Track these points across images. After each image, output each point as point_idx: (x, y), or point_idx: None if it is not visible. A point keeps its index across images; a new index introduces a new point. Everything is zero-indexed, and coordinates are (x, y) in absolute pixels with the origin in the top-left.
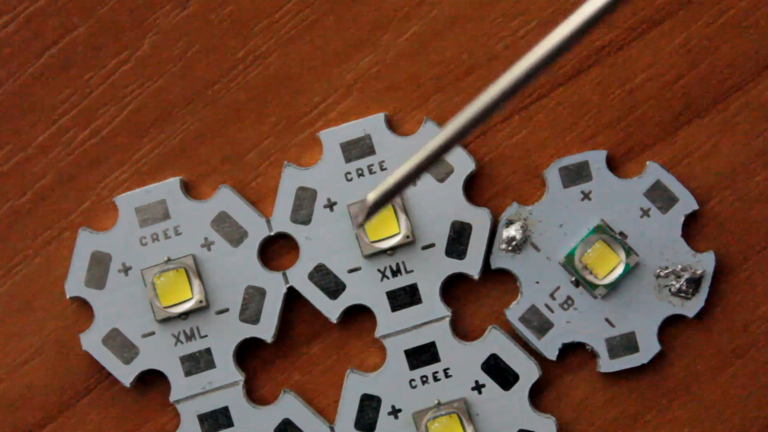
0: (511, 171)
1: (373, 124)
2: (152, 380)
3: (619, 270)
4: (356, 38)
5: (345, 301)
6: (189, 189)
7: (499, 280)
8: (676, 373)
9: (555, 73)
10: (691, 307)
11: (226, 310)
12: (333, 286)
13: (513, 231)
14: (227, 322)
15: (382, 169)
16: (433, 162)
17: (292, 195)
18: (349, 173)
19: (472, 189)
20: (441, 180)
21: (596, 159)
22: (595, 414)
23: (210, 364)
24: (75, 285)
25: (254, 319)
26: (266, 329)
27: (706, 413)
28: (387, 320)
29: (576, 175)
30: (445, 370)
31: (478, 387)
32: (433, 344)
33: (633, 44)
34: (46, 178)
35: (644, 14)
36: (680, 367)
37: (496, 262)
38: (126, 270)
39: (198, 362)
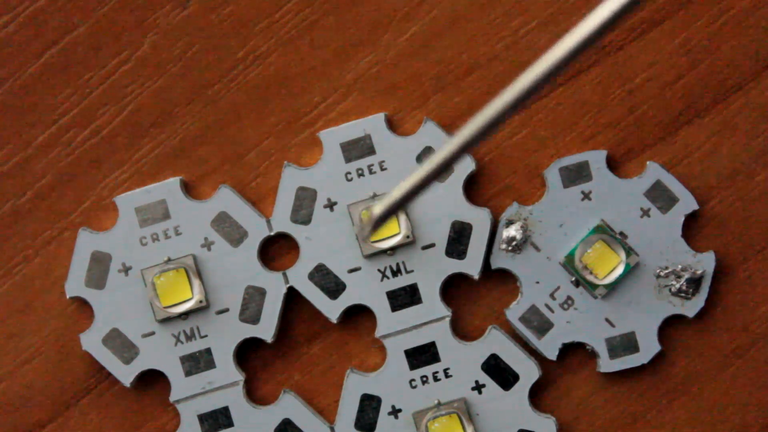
0: (511, 171)
1: (373, 124)
2: (152, 380)
3: (619, 270)
4: (356, 38)
5: (345, 301)
6: (189, 189)
7: (499, 280)
8: (676, 373)
9: None
10: (691, 307)
11: (226, 310)
12: (333, 286)
13: (513, 231)
14: (227, 322)
15: (382, 169)
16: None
17: (292, 195)
18: (349, 173)
19: (472, 189)
20: (441, 180)
21: (596, 159)
22: (595, 414)
23: (210, 364)
24: (75, 285)
25: (254, 319)
26: (266, 329)
27: (706, 413)
28: (387, 320)
29: (576, 175)
30: (445, 370)
31: (478, 387)
32: (433, 344)
33: (633, 44)
34: (46, 178)
35: (644, 14)
36: (680, 367)
37: (496, 262)
38: (126, 270)
39: (198, 362)
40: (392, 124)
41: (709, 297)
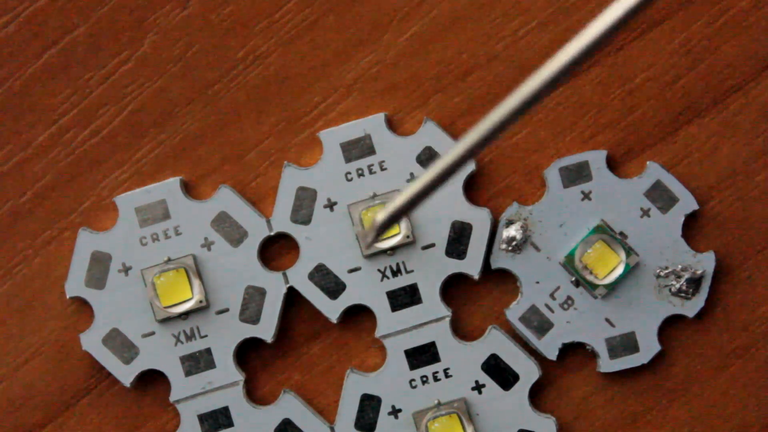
0: (511, 171)
1: (373, 124)
2: (152, 380)
3: (619, 270)
4: (356, 38)
5: (345, 301)
6: (189, 189)
7: (499, 280)
8: (676, 373)
9: None
10: (691, 307)
11: (226, 310)
12: (333, 286)
13: (513, 231)
14: (227, 322)
15: (382, 169)
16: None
17: (292, 195)
18: (349, 173)
19: (472, 189)
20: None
21: (596, 159)
22: (595, 414)
23: (210, 364)
24: (75, 285)
25: (254, 319)
26: (266, 329)
27: (706, 413)
28: (387, 320)
29: (576, 175)
30: (445, 370)
31: (478, 387)
32: (433, 344)
33: (633, 44)
34: (46, 178)
35: (644, 14)
36: (680, 367)
37: (496, 262)
38: (126, 270)
39: (198, 362)
40: (392, 124)
41: (709, 297)
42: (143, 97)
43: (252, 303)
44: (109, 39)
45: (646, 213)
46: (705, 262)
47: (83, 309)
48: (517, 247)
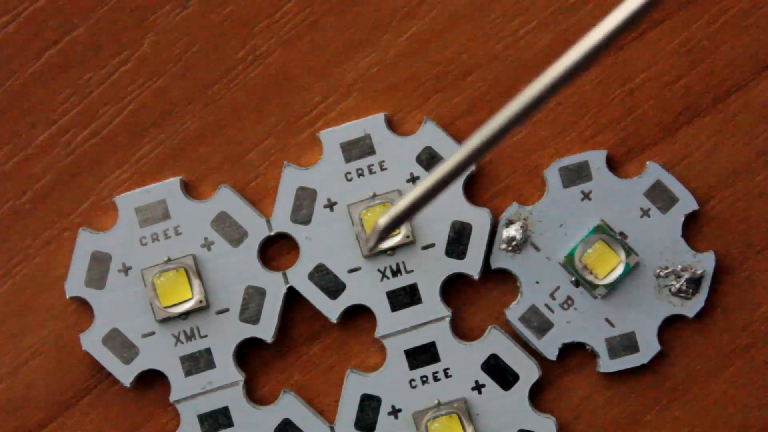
0: (511, 171)
1: (373, 124)
2: (152, 380)
3: (619, 270)
4: (356, 38)
5: (345, 301)
6: (189, 189)
7: (499, 280)
8: (676, 373)
9: None
10: (691, 307)
11: (226, 310)
12: (333, 286)
13: (513, 231)
14: (227, 322)
15: (382, 169)
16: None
17: (292, 195)
18: (349, 173)
19: (472, 189)
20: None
21: (596, 159)
22: (595, 414)
23: (210, 364)
24: (75, 285)
25: (254, 319)
26: (266, 329)
27: (706, 413)
28: (387, 320)
29: (576, 175)
30: (445, 370)
31: (478, 387)
32: (433, 344)
33: (633, 44)
34: (46, 178)
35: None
36: (680, 367)
37: (496, 262)
38: (126, 270)
39: (198, 362)
40: (392, 124)
41: (709, 297)
42: (143, 97)
43: (252, 303)
44: (109, 39)
45: (646, 213)
46: (705, 262)
47: (83, 309)
48: (517, 247)
